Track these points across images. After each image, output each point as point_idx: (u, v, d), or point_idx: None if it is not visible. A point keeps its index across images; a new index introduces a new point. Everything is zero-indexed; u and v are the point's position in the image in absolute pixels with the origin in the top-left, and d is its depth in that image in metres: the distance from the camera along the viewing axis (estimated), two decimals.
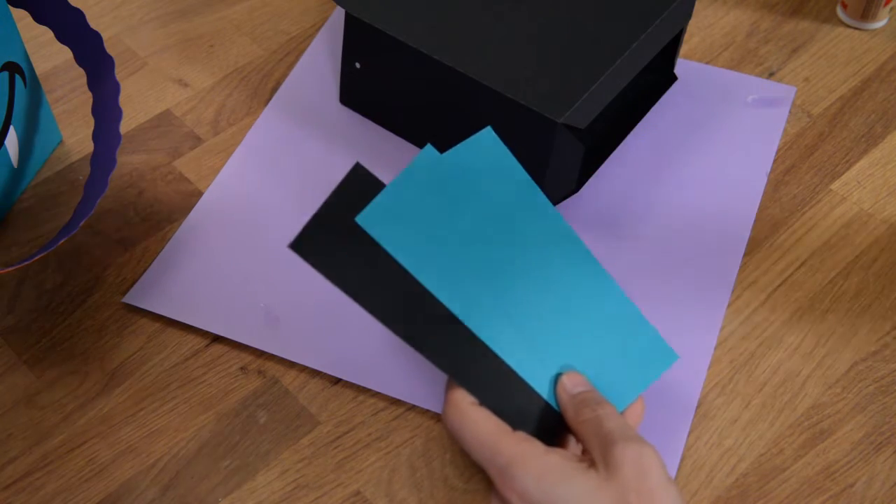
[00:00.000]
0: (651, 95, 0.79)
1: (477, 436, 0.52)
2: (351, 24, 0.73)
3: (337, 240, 0.51)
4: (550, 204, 0.55)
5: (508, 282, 0.55)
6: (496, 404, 0.54)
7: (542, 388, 0.56)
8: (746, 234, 0.73)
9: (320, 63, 0.83)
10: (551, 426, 0.56)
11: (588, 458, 0.53)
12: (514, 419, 0.55)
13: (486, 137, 0.53)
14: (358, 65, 0.76)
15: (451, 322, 0.54)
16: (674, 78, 0.80)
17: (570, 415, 0.55)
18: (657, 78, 0.80)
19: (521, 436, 0.53)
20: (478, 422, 0.53)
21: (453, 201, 0.53)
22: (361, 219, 0.50)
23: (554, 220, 0.56)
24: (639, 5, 0.71)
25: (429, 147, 0.51)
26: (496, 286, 0.55)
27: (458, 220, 0.53)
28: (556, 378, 0.56)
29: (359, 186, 0.52)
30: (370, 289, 0.52)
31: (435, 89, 0.72)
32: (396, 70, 0.73)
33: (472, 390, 0.54)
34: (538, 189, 0.55)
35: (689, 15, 0.75)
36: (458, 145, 0.53)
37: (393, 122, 0.78)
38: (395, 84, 0.75)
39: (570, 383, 0.56)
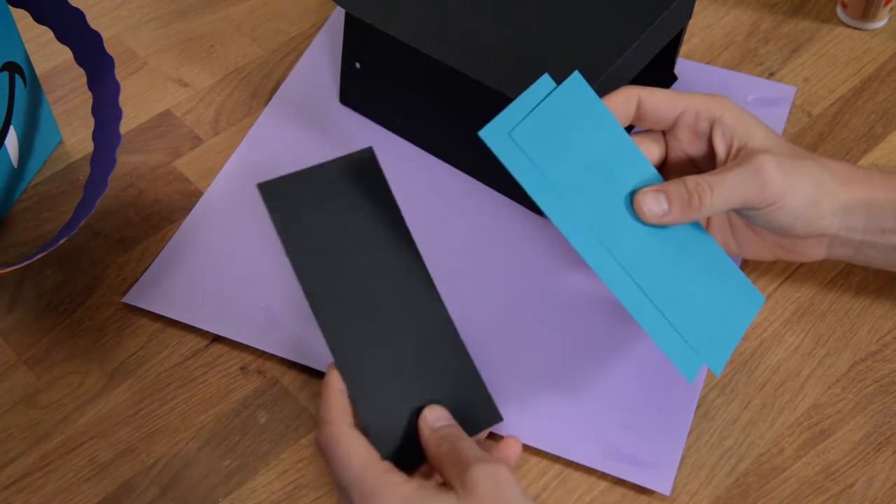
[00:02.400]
0: None
1: (347, 458, 0.52)
2: (351, 24, 0.73)
3: (305, 199, 0.55)
4: (639, 153, 0.60)
5: (615, 218, 0.58)
6: (367, 411, 0.55)
7: (654, 322, 0.58)
8: None
9: (320, 63, 0.83)
10: (413, 453, 0.56)
11: (447, 486, 0.53)
12: (382, 439, 0.55)
13: (577, 82, 0.58)
14: (358, 65, 0.76)
15: (365, 309, 0.56)
16: (674, 78, 0.80)
17: (430, 449, 0.55)
18: (657, 78, 0.80)
19: (387, 465, 0.53)
20: (351, 444, 0.53)
21: (567, 131, 0.58)
22: (484, 133, 0.55)
23: (646, 169, 0.60)
24: (639, 5, 0.71)
25: (546, 77, 0.57)
26: (605, 219, 0.57)
27: (570, 151, 0.58)
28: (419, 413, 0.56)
29: (359, 165, 0.56)
30: (308, 256, 0.56)
31: (435, 89, 0.72)
32: (396, 70, 0.73)
33: (349, 379, 0.55)
34: (630, 139, 0.59)
35: (689, 15, 0.75)
36: (560, 87, 0.58)
37: (393, 121, 0.78)
38: (395, 84, 0.75)
39: (431, 417, 0.55)
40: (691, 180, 0.59)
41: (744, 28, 0.85)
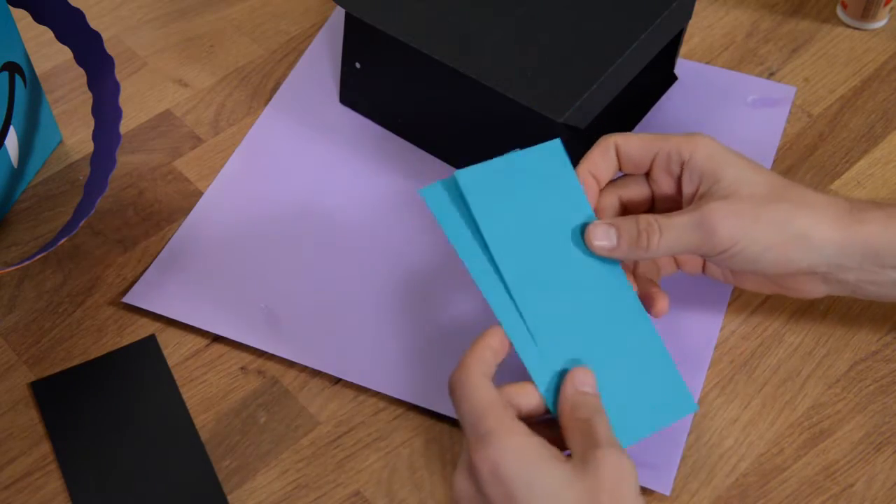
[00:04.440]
0: (651, 95, 0.79)
1: (472, 398, 0.53)
2: (351, 24, 0.73)
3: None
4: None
5: (551, 281, 0.58)
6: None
7: (542, 384, 0.56)
8: None
9: (320, 63, 0.83)
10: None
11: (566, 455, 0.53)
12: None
13: (554, 148, 0.60)
14: (358, 65, 0.76)
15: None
16: (674, 78, 0.80)
17: (565, 408, 0.55)
18: (657, 78, 0.80)
19: (512, 413, 0.53)
20: (478, 387, 0.53)
21: (526, 192, 0.59)
22: (461, 175, 0.57)
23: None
24: (639, 5, 0.71)
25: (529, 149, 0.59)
26: (540, 280, 0.58)
27: (526, 209, 0.59)
28: (561, 375, 0.56)
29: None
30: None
31: (435, 89, 0.72)
32: (396, 70, 0.73)
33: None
34: (590, 207, 0.60)
35: (689, 15, 0.75)
36: (533, 148, 0.60)
37: (393, 121, 0.78)
38: (395, 84, 0.75)
39: (579, 380, 0.56)
40: (643, 219, 0.59)
41: (744, 28, 0.85)
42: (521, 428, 0.52)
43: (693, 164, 0.60)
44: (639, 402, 0.58)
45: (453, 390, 0.54)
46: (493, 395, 0.53)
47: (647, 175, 0.63)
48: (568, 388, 0.56)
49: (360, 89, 0.78)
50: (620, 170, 0.63)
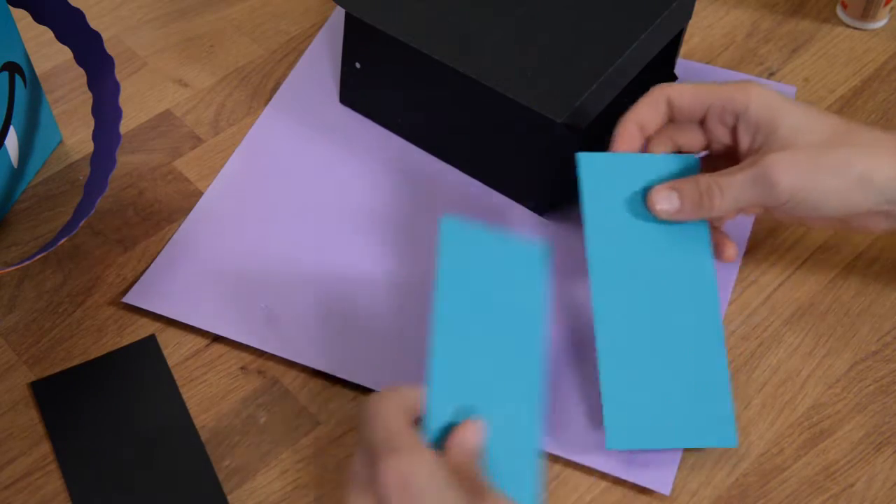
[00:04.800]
0: None
1: (387, 419, 0.51)
2: (351, 24, 0.73)
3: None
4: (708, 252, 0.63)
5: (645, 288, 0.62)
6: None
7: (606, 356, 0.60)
8: (746, 234, 0.72)
9: (320, 63, 0.83)
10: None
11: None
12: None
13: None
14: (358, 65, 0.76)
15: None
16: (674, 78, 0.80)
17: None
18: (657, 78, 0.80)
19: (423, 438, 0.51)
20: (397, 415, 0.51)
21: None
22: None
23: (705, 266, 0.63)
24: (639, 5, 0.71)
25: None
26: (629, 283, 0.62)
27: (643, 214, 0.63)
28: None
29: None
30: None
31: (435, 89, 0.72)
32: (396, 70, 0.73)
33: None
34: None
35: (689, 15, 0.75)
36: (670, 156, 0.64)
37: (393, 121, 0.78)
38: (395, 84, 0.75)
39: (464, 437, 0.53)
40: (703, 180, 0.60)
41: (744, 28, 0.85)
42: (434, 453, 0.50)
43: (748, 116, 0.61)
44: (684, 414, 0.60)
45: (368, 408, 0.52)
46: (408, 424, 0.51)
47: (702, 123, 0.64)
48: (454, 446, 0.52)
49: (360, 89, 0.78)
50: (672, 120, 0.64)
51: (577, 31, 0.70)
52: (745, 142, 0.62)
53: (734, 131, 0.63)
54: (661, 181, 0.62)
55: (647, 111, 0.63)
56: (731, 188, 0.60)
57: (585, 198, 0.62)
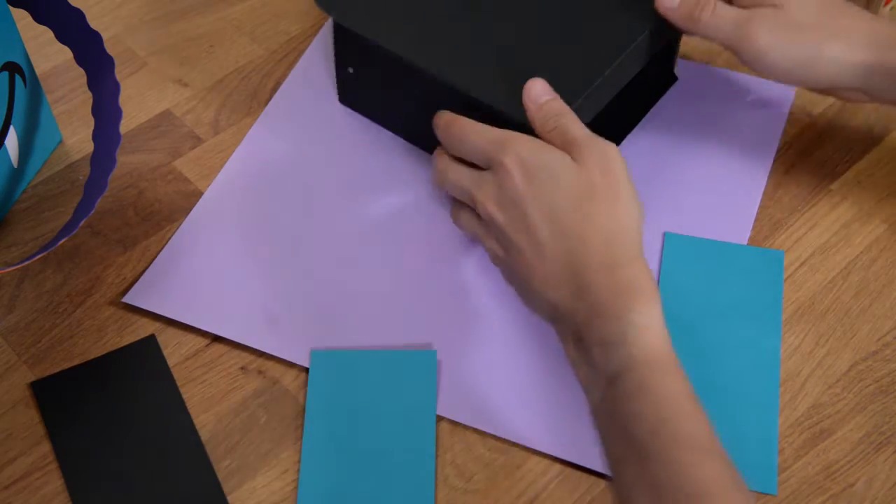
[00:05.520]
0: (651, 95, 0.79)
1: (479, 129, 0.62)
2: (339, 31, 0.73)
3: None
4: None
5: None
6: None
7: None
8: (746, 234, 0.72)
9: (320, 63, 0.83)
10: None
11: None
12: None
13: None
14: (350, 70, 0.76)
15: None
16: (674, 78, 0.80)
17: (538, 126, 0.62)
18: (657, 78, 0.80)
19: None
20: (477, 123, 0.63)
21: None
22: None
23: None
24: (639, 5, 0.71)
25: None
26: None
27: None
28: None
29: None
30: None
31: (428, 96, 0.71)
32: (387, 76, 0.73)
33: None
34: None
35: None
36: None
37: (392, 121, 0.77)
38: (388, 90, 0.74)
39: (535, 93, 0.62)
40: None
41: None
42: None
43: None
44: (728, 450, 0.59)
45: (458, 132, 0.63)
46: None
47: None
48: (530, 107, 0.62)
49: (356, 91, 0.78)
50: None
51: (577, 32, 0.70)
52: None
53: None
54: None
55: None
56: (718, 18, 0.67)
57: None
